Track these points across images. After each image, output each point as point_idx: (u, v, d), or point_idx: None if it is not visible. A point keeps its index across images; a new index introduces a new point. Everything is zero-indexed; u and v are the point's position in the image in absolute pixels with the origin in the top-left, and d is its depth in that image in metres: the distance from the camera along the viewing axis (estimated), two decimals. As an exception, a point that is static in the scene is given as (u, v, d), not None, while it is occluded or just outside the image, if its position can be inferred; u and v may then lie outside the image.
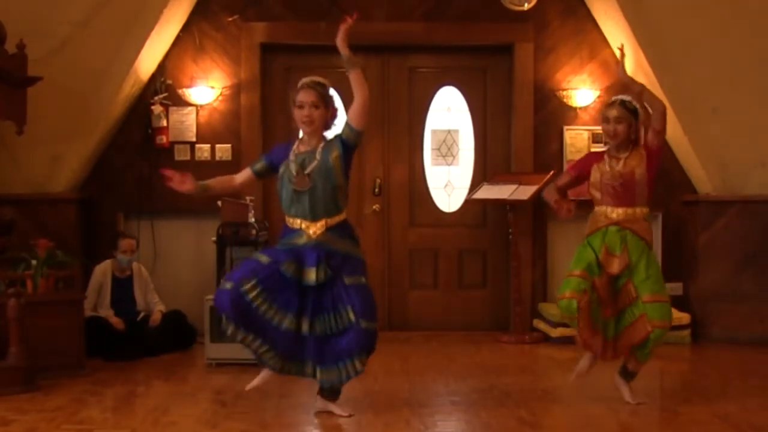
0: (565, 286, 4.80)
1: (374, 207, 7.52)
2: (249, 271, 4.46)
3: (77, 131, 6.82)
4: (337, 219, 4.55)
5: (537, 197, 6.82)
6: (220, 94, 7.23)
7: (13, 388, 5.04)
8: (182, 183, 4.63)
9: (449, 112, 7.65)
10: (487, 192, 7.12)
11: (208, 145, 7.25)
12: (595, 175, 4.86)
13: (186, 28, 7.20)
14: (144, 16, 6.71)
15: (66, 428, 4.35)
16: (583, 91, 7.28)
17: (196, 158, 7.25)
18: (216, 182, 4.79)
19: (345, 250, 4.55)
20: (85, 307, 5.98)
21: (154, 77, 7.17)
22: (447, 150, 7.65)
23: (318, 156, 4.51)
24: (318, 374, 4.57)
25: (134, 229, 7.19)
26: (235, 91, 7.28)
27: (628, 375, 4.90)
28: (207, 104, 7.22)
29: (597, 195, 4.88)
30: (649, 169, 4.78)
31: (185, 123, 7.23)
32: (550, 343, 6.89)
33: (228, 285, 4.44)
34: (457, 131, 7.64)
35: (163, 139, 7.15)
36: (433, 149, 7.63)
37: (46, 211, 6.84)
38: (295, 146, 4.62)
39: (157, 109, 7.13)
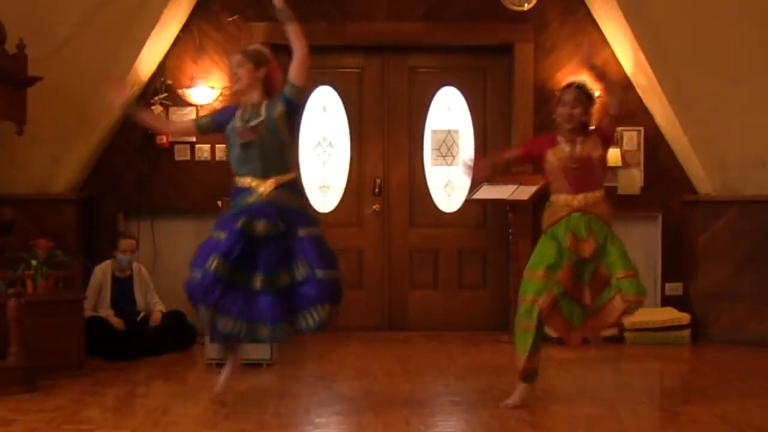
0: (527, 287, 4.74)
1: (374, 207, 7.52)
2: (209, 250, 4.54)
3: (77, 131, 6.82)
4: (287, 177, 4.64)
5: (537, 197, 6.83)
6: (220, 95, 7.23)
7: (13, 388, 5.04)
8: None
9: (449, 112, 7.65)
10: (487, 192, 7.12)
11: (208, 145, 7.24)
12: (551, 160, 4.82)
13: (186, 29, 7.20)
14: (144, 16, 6.71)
15: (66, 428, 4.35)
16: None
17: (196, 158, 7.25)
18: (152, 118, 4.97)
19: (296, 205, 4.64)
20: (85, 307, 5.98)
21: (154, 77, 7.17)
22: (447, 150, 7.65)
23: (263, 113, 4.63)
24: (277, 332, 4.57)
25: (134, 229, 7.19)
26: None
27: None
28: (207, 104, 7.21)
29: (554, 182, 4.84)
30: (604, 151, 4.82)
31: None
32: (549, 343, 6.86)
33: (197, 273, 4.53)
34: (457, 131, 7.64)
35: (163, 139, 7.15)
36: (433, 149, 7.63)
37: (46, 211, 6.84)
38: (240, 108, 4.73)
39: (157, 109, 7.12)
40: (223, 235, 4.57)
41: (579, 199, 4.76)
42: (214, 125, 4.81)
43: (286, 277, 4.56)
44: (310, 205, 4.75)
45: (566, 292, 4.70)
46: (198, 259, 4.59)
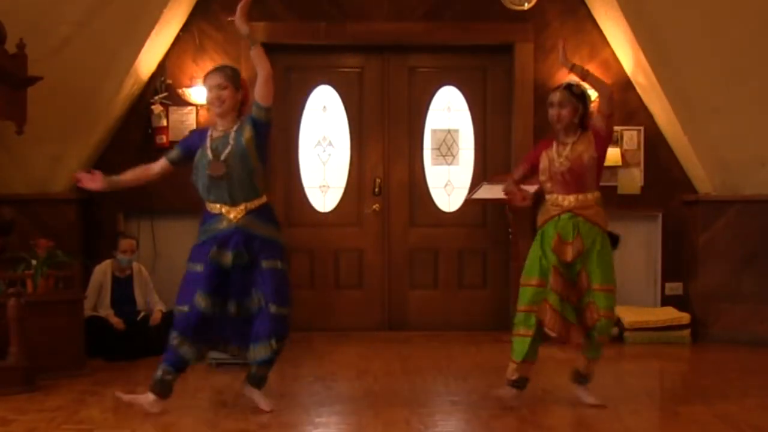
0: (523, 296, 4.76)
1: (374, 207, 7.52)
2: (193, 286, 4.54)
3: (77, 131, 6.82)
4: (257, 202, 4.58)
5: (537, 197, 6.82)
6: (220, 94, 7.22)
7: (13, 388, 5.04)
8: (92, 181, 4.75)
9: (449, 111, 7.65)
10: (487, 192, 7.12)
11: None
12: (543, 162, 4.81)
13: (186, 28, 7.20)
14: (144, 16, 6.71)
15: (66, 428, 4.35)
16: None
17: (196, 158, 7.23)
18: (130, 174, 4.84)
19: (266, 234, 4.59)
20: (85, 307, 5.98)
21: (154, 77, 7.17)
22: (447, 150, 7.65)
23: (232, 140, 4.55)
24: (247, 354, 4.65)
25: (134, 229, 7.19)
26: (236, 91, 7.26)
27: (582, 378, 4.85)
28: (207, 104, 7.20)
29: (547, 183, 4.83)
30: (598, 151, 4.74)
31: (185, 123, 7.23)
32: (550, 343, 6.87)
33: (185, 308, 4.54)
34: (457, 131, 7.64)
35: (163, 139, 7.15)
36: (433, 149, 7.63)
37: (46, 211, 6.84)
38: (210, 132, 4.65)
39: (157, 108, 7.13)
40: (199, 267, 4.55)
41: (570, 199, 4.73)
42: (183, 155, 4.68)
43: (241, 307, 4.60)
44: (280, 233, 4.67)
45: (560, 296, 4.70)
46: (183, 294, 4.58)
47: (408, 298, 7.58)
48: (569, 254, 4.68)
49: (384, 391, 5.23)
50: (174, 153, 4.76)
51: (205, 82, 4.70)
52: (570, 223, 4.71)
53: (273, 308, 4.54)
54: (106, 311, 6.40)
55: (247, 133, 4.56)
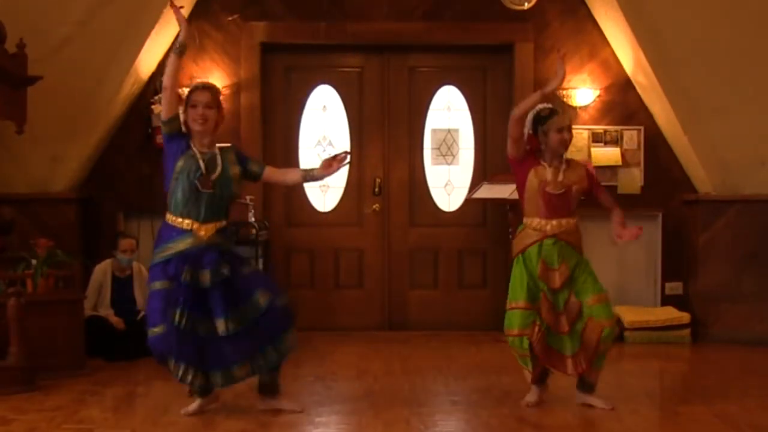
0: (512, 320, 4.72)
1: (374, 206, 7.52)
2: (165, 304, 4.40)
3: (77, 131, 6.82)
4: (224, 222, 4.57)
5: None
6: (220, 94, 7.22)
7: (13, 388, 5.04)
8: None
9: (449, 111, 7.65)
10: (487, 191, 7.11)
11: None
12: (532, 181, 4.70)
13: (186, 28, 7.19)
14: (144, 15, 6.71)
15: (66, 428, 4.35)
16: (583, 91, 7.28)
17: (196, 158, 7.23)
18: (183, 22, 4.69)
19: (232, 249, 4.63)
20: (85, 306, 5.98)
21: (154, 77, 7.16)
22: (447, 149, 7.65)
23: (219, 163, 4.52)
24: (248, 371, 4.56)
25: (134, 229, 7.19)
26: (235, 90, 7.28)
27: (587, 387, 4.82)
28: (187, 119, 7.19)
29: (529, 203, 4.73)
30: (587, 191, 4.76)
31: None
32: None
33: (158, 329, 4.41)
34: (457, 130, 7.64)
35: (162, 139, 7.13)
36: (433, 148, 7.63)
37: (46, 211, 6.84)
38: (192, 144, 4.55)
39: (157, 108, 7.11)
40: (167, 285, 4.43)
41: (553, 224, 4.67)
42: (175, 133, 4.55)
43: (239, 320, 4.47)
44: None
45: (548, 325, 4.69)
46: (154, 316, 4.44)
47: (408, 298, 7.58)
48: (557, 281, 4.66)
49: (384, 390, 5.23)
50: (178, 120, 4.58)
51: (190, 96, 4.57)
52: (555, 249, 4.66)
53: (280, 300, 4.54)
54: (106, 311, 6.40)
55: (236, 170, 4.57)
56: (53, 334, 5.49)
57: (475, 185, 7.40)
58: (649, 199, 7.31)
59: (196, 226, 4.47)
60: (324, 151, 7.56)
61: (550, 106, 4.76)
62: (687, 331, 7.02)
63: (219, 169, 4.51)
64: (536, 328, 4.66)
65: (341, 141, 7.56)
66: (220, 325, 4.44)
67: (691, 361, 6.55)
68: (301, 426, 4.51)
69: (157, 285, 4.46)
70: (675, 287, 7.36)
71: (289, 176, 4.92)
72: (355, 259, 7.55)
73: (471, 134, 7.61)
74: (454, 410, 4.83)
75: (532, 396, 4.84)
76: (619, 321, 6.81)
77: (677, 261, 7.35)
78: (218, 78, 7.20)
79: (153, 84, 7.16)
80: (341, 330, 7.37)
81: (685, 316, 7.03)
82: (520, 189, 4.79)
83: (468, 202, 7.43)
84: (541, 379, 4.85)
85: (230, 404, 4.85)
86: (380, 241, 7.56)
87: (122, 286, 6.55)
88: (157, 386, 5.43)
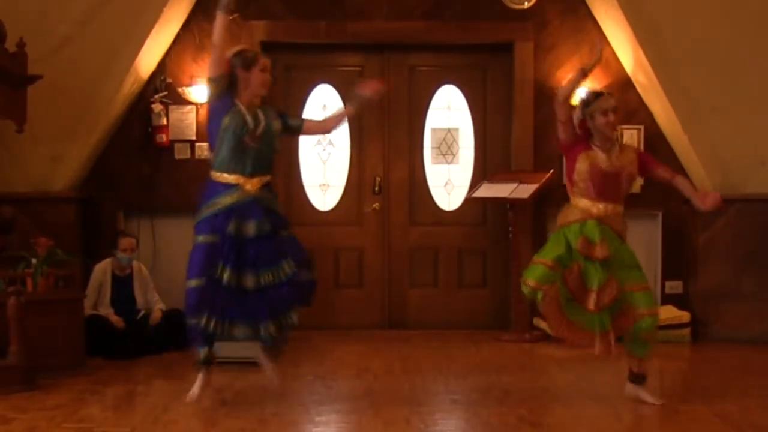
0: (530, 272, 4.73)
1: (374, 205, 7.52)
2: (208, 258, 4.53)
3: (77, 130, 6.82)
4: (269, 177, 4.70)
5: (537, 196, 6.84)
6: (220, 93, 7.22)
7: (13, 387, 5.03)
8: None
9: (449, 110, 7.65)
10: (487, 190, 7.12)
11: (208, 144, 7.23)
12: (583, 163, 4.74)
13: (186, 27, 7.20)
14: (144, 14, 6.71)
15: (66, 427, 4.35)
16: (583, 90, 7.26)
17: (196, 156, 7.25)
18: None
19: (276, 207, 4.72)
20: (85, 305, 5.98)
21: (154, 76, 7.17)
22: (447, 148, 7.65)
23: (262, 119, 4.66)
24: (261, 330, 4.64)
25: (134, 228, 7.19)
26: (234, 89, 7.26)
27: (637, 379, 4.82)
28: (207, 102, 7.20)
29: (580, 185, 4.76)
30: (639, 174, 4.84)
31: (185, 121, 7.23)
32: (550, 341, 6.89)
33: (196, 282, 4.52)
34: (457, 130, 7.64)
35: (163, 138, 7.15)
36: (433, 148, 7.63)
37: (46, 210, 6.84)
38: (238, 101, 4.66)
39: (157, 107, 7.13)
40: (211, 239, 4.55)
41: (599, 207, 4.72)
42: (223, 91, 4.65)
43: (269, 276, 4.59)
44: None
45: (572, 294, 4.68)
46: (195, 267, 4.55)
47: (408, 297, 7.58)
48: (599, 252, 4.64)
49: (384, 389, 5.22)
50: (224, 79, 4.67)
51: (257, 60, 4.72)
52: (597, 229, 4.68)
53: (305, 274, 4.64)
54: (106, 310, 6.40)
55: (278, 125, 4.72)
56: (53, 333, 5.49)
57: (475, 184, 7.40)
58: (649, 198, 7.31)
59: (242, 180, 4.60)
60: (324, 150, 7.57)
61: (596, 90, 4.82)
62: (687, 331, 7.02)
63: (263, 124, 4.63)
64: (553, 288, 4.65)
65: (341, 140, 7.56)
66: (250, 280, 4.57)
67: (691, 361, 6.55)
68: (301, 425, 4.52)
69: (201, 238, 4.59)
70: (675, 286, 7.36)
71: (329, 123, 5.06)
72: (355, 258, 7.55)
73: (471, 133, 7.61)
74: (454, 409, 4.83)
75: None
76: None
77: (677, 260, 7.35)
78: (218, 77, 7.19)
79: (153, 83, 7.16)
80: (341, 329, 7.37)
81: (685, 316, 7.03)
82: (570, 172, 4.83)
83: (468, 201, 7.43)
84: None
85: (230, 402, 4.85)
86: (380, 241, 7.56)
87: (122, 285, 6.56)
88: (157, 385, 5.44)
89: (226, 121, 4.60)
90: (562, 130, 4.77)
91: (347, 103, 4.83)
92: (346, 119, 5.28)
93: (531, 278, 4.73)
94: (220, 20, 4.64)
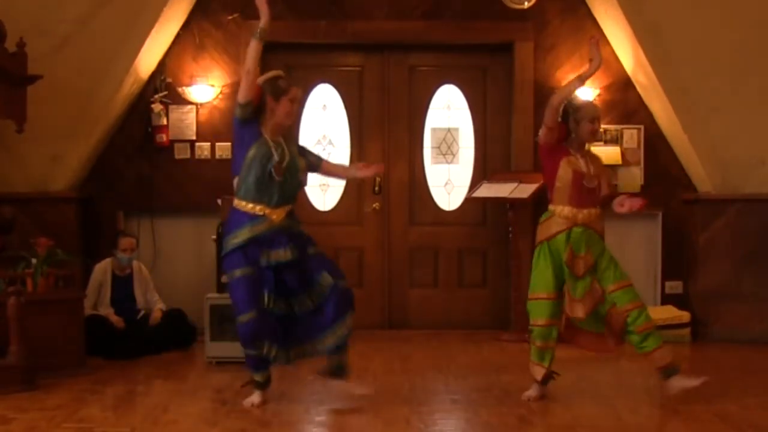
0: (540, 310, 4.79)
1: (374, 205, 7.52)
2: (251, 290, 4.57)
3: (77, 130, 6.82)
4: (293, 206, 4.75)
5: (537, 196, 6.83)
6: (220, 93, 7.23)
7: (13, 387, 5.03)
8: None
9: (449, 110, 7.65)
10: (487, 190, 7.12)
11: (208, 144, 7.25)
12: (566, 170, 4.76)
13: (186, 27, 7.20)
14: (144, 14, 6.71)
15: (66, 427, 4.35)
16: (582, 90, 7.27)
17: (196, 156, 7.25)
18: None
19: (300, 229, 4.77)
20: (85, 305, 5.98)
21: (154, 76, 7.17)
22: (447, 148, 7.65)
23: (287, 153, 4.67)
24: (314, 349, 4.74)
25: (134, 228, 7.19)
26: (235, 89, 7.16)
27: (669, 371, 4.82)
28: (207, 102, 7.22)
29: (563, 191, 4.77)
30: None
31: (185, 121, 7.23)
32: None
33: (247, 316, 4.54)
34: (457, 129, 7.64)
35: (163, 138, 7.15)
36: (433, 147, 7.63)
37: (46, 210, 6.84)
38: (264, 131, 4.66)
39: (157, 107, 7.13)
40: (248, 271, 4.57)
41: (584, 213, 4.76)
42: (249, 118, 4.60)
43: (307, 300, 4.69)
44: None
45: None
46: (242, 303, 4.57)
47: (408, 297, 7.58)
48: (581, 268, 4.73)
49: (384, 389, 5.22)
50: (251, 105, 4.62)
51: (288, 90, 4.68)
52: (583, 237, 4.74)
53: (342, 283, 4.69)
54: (106, 310, 6.40)
55: (303, 162, 4.77)
56: (53, 333, 5.49)
57: (475, 184, 7.40)
58: (649, 197, 7.26)
59: (268, 210, 4.61)
60: (324, 150, 7.56)
61: (580, 98, 4.89)
62: (687, 331, 7.02)
63: (287, 158, 4.66)
64: (564, 317, 4.77)
65: (341, 140, 7.56)
66: (296, 304, 4.68)
67: (691, 361, 6.54)
68: (301, 425, 4.52)
69: (238, 272, 4.60)
70: (675, 286, 7.36)
71: (342, 172, 5.28)
72: (355, 258, 7.55)
73: (471, 133, 7.61)
74: (454, 409, 4.83)
75: (534, 391, 4.89)
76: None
77: (677, 260, 7.35)
78: (218, 77, 7.21)
79: (153, 83, 7.17)
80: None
81: (684, 315, 7.03)
82: (550, 177, 4.84)
83: (468, 201, 7.43)
84: (546, 380, 4.89)
85: (230, 402, 4.85)
86: (380, 240, 7.56)
87: (122, 285, 6.56)
88: (157, 385, 5.44)
89: (252, 151, 4.60)
90: (547, 134, 4.78)
91: (356, 170, 4.99)
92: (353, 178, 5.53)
93: (541, 318, 4.80)
94: (253, 46, 4.58)
